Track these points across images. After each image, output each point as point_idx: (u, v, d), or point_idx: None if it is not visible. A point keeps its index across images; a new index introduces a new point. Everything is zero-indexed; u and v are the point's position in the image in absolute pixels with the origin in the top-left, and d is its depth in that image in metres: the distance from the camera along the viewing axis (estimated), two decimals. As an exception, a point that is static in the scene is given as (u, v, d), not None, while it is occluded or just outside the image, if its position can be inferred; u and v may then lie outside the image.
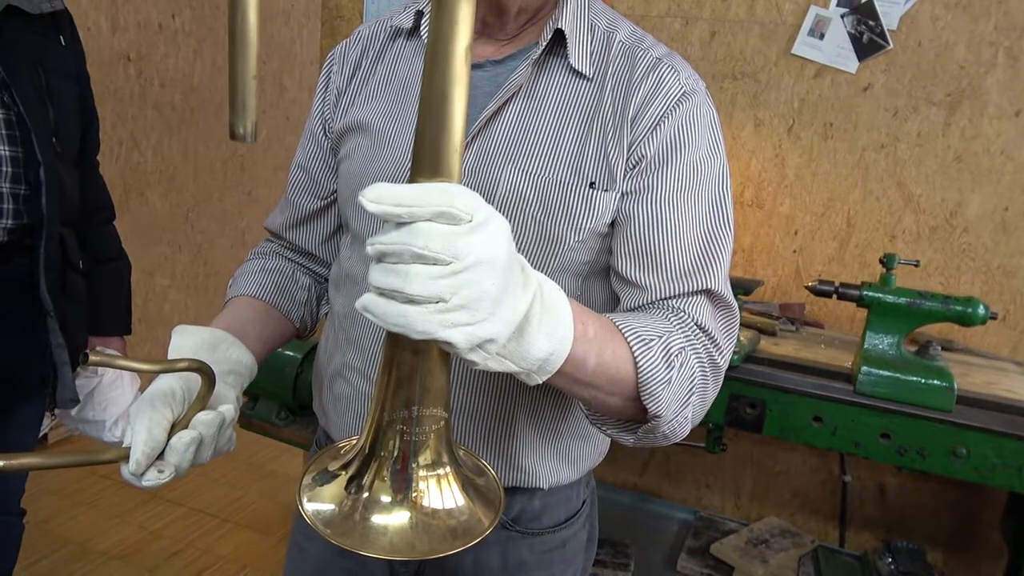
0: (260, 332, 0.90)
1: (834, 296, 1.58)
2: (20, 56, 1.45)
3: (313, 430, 1.13)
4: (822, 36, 1.96)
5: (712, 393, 0.79)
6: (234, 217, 3.97)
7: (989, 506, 1.95)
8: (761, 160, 2.07)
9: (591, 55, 0.84)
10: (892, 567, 1.80)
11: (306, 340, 1.08)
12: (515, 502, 0.93)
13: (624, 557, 1.86)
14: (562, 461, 0.92)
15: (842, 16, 1.94)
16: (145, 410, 0.68)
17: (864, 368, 1.49)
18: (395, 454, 0.58)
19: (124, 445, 0.68)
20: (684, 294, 0.80)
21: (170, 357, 0.73)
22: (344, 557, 0.97)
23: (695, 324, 0.78)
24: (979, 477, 1.43)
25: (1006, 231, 1.89)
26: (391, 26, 0.94)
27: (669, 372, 0.72)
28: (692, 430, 0.80)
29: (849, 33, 1.94)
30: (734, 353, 1.60)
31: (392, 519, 0.57)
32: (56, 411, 1.67)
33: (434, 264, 0.51)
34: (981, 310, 1.46)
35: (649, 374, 0.70)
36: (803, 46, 1.98)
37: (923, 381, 1.46)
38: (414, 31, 0.92)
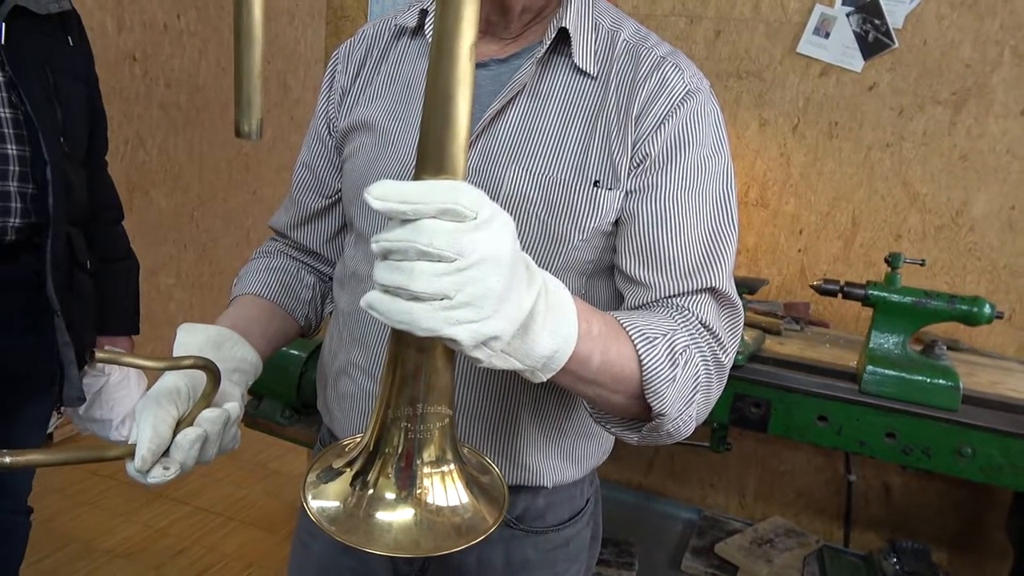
0: (265, 330, 0.90)
1: (839, 295, 1.57)
2: (27, 56, 1.46)
3: (317, 429, 1.13)
4: (827, 35, 1.96)
5: (716, 391, 0.79)
6: (239, 216, 3.98)
7: (994, 506, 1.95)
8: (766, 159, 2.07)
9: (595, 54, 0.84)
10: (897, 567, 1.80)
11: (311, 339, 1.09)
12: (519, 500, 0.93)
13: (628, 556, 1.86)
14: (566, 459, 0.92)
15: (847, 15, 1.93)
16: (150, 407, 0.68)
17: (869, 367, 1.49)
18: (399, 451, 0.58)
19: (129, 442, 0.68)
20: (688, 292, 0.80)
21: (175, 355, 0.74)
22: (348, 555, 0.97)
23: (699, 322, 0.78)
24: (984, 477, 1.42)
25: (1012, 230, 1.89)
26: (395, 25, 0.94)
27: (673, 370, 0.72)
28: (697, 429, 0.80)
29: (854, 32, 1.93)
30: (738, 352, 1.61)
31: (397, 516, 0.58)
32: (63, 410, 1.68)
33: (439, 261, 0.51)
34: (987, 309, 1.46)
35: (653, 372, 0.70)
36: (808, 45, 1.98)
37: (928, 380, 1.45)
38: (418, 30, 0.92)
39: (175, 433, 0.68)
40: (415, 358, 0.57)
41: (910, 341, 1.54)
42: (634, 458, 2.29)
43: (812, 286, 1.62)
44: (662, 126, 0.80)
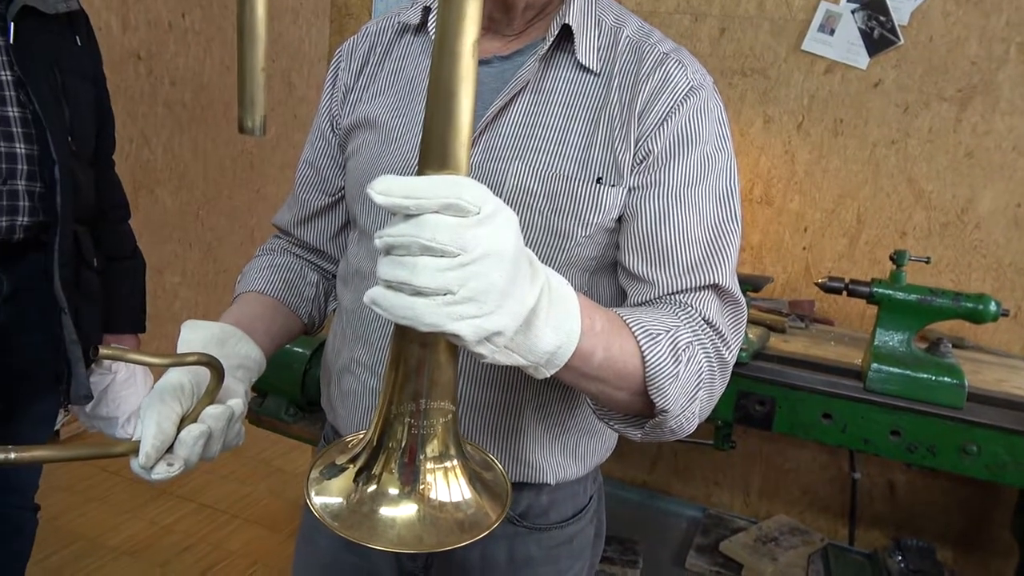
0: (268, 327, 0.91)
1: (844, 293, 1.57)
2: (36, 56, 1.47)
3: (321, 426, 1.13)
4: (832, 32, 1.95)
5: (719, 388, 0.79)
6: (244, 214, 3.98)
7: (1000, 504, 1.94)
8: (771, 157, 2.06)
9: (598, 50, 0.84)
10: (902, 565, 1.79)
11: (314, 336, 1.09)
12: (522, 497, 0.93)
13: (633, 554, 1.86)
14: (569, 457, 0.92)
15: (852, 11, 1.93)
16: (154, 404, 0.68)
17: (874, 365, 1.49)
18: (403, 447, 0.59)
19: (134, 439, 0.68)
20: (691, 289, 0.80)
21: (179, 351, 0.74)
22: (352, 551, 0.97)
23: (702, 319, 0.78)
24: (990, 475, 1.42)
25: (1018, 227, 1.88)
26: (398, 22, 0.94)
27: (676, 366, 0.72)
28: (701, 427, 0.80)
29: (860, 29, 1.93)
30: (743, 350, 1.61)
31: (400, 511, 0.58)
32: (70, 407, 1.69)
33: (442, 256, 0.51)
34: (992, 307, 1.45)
35: (656, 368, 0.70)
36: (813, 42, 1.97)
37: (933, 378, 1.45)
38: (421, 27, 0.92)
39: (179, 429, 0.68)
40: (418, 354, 0.58)
41: (915, 339, 1.54)
42: (638, 456, 2.29)
43: (817, 283, 1.62)
44: (665, 123, 0.80)
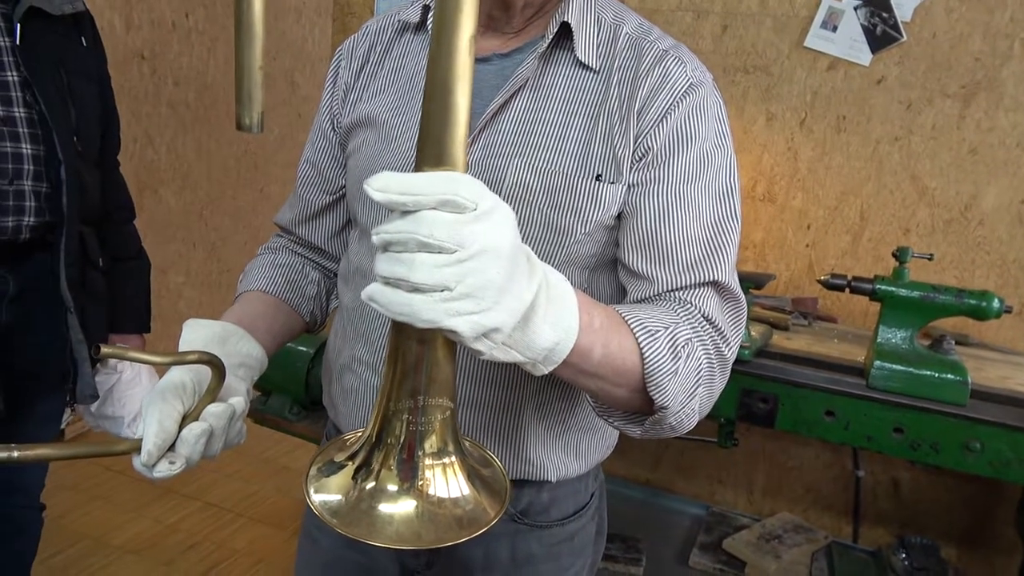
0: (270, 326, 0.91)
1: (847, 290, 1.57)
2: (42, 56, 1.47)
3: (324, 424, 1.13)
4: (835, 28, 1.95)
5: (719, 385, 0.79)
6: (248, 214, 3.99)
7: (1003, 501, 1.94)
8: (773, 154, 2.06)
9: (597, 48, 0.84)
10: (906, 563, 1.79)
11: (316, 334, 1.09)
12: (523, 495, 0.93)
13: (636, 552, 1.86)
14: (570, 454, 0.92)
15: (855, 8, 1.92)
16: (156, 402, 0.69)
17: (877, 362, 1.49)
18: (401, 443, 0.59)
19: (136, 437, 0.68)
20: (691, 286, 0.80)
21: (181, 350, 0.74)
22: (354, 549, 0.97)
23: (702, 316, 0.78)
24: (993, 472, 1.42)
25: (1022, 224, 1.87)
26: (398, 20, 0.94)
27: (675, 363, 0.72)
28: (704, 425, 0.80)
29: (862, 25, 1.92)
30: (745, 348, 1.61)
31: (398, 508, 0.58)
32: (76, 406, 1.70)
33: (439, 252, 0.51)
34: (996, 304, 1.45)
35: (655, 365, 0.70)
36: (816, 39, 1.97)
37: (937, 375, 1.45)
38: (421, 25, 0.92)
39: (181, 428, 0.69)
40: (416, 350, 0.58)
41: (918, 336, 1.54)
42: (642, 454, 2.29)
43: (820, 281, 1.62)
44: (664, 120, 0.80)
